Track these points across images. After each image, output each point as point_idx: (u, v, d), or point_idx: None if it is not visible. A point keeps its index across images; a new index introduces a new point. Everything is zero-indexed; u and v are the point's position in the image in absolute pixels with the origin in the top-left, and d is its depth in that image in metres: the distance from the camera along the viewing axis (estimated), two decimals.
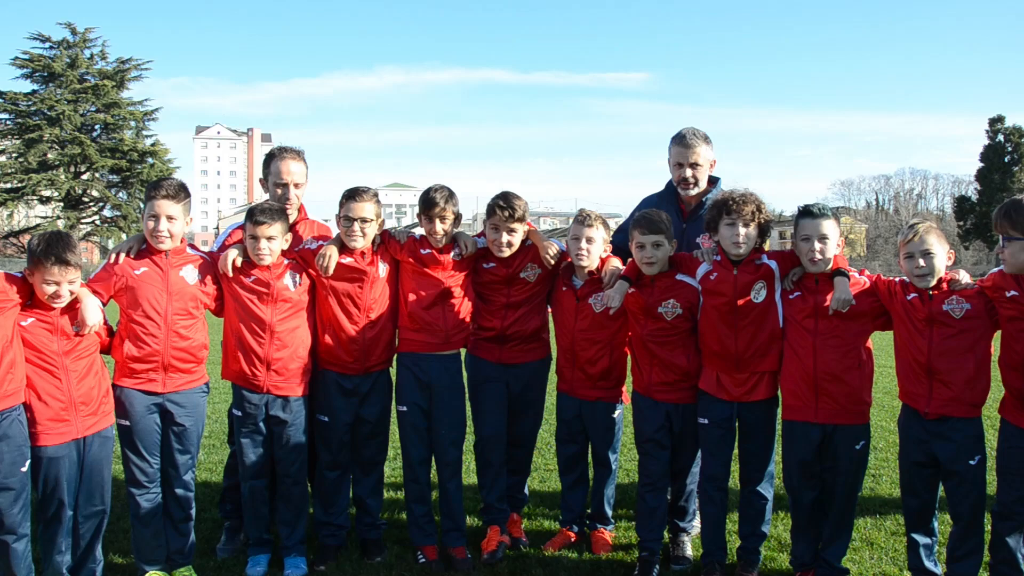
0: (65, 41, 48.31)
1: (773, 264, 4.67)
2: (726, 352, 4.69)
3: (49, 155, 47.30)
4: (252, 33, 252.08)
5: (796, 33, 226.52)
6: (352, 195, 4.93)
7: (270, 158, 5.29)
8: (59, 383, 4.28)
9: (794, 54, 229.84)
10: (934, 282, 4.33)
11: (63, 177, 47.46)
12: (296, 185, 5.18)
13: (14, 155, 47.50)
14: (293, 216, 5.14)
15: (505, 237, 5.00)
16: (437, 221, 4.96)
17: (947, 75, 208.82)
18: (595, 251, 4.99)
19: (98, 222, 49.29)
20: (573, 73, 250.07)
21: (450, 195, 5.01)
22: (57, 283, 4.19)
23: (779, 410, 4.80)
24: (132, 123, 49.71)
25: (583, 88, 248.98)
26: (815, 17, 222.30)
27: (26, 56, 47.56)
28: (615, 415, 5.23)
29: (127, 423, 4.60)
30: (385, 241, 5.08)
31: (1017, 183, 68.29)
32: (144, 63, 50.67)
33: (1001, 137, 70.06)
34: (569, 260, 5.12)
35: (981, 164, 71.10)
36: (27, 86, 48.12)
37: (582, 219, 5.01)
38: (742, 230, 4.56)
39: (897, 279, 4.55)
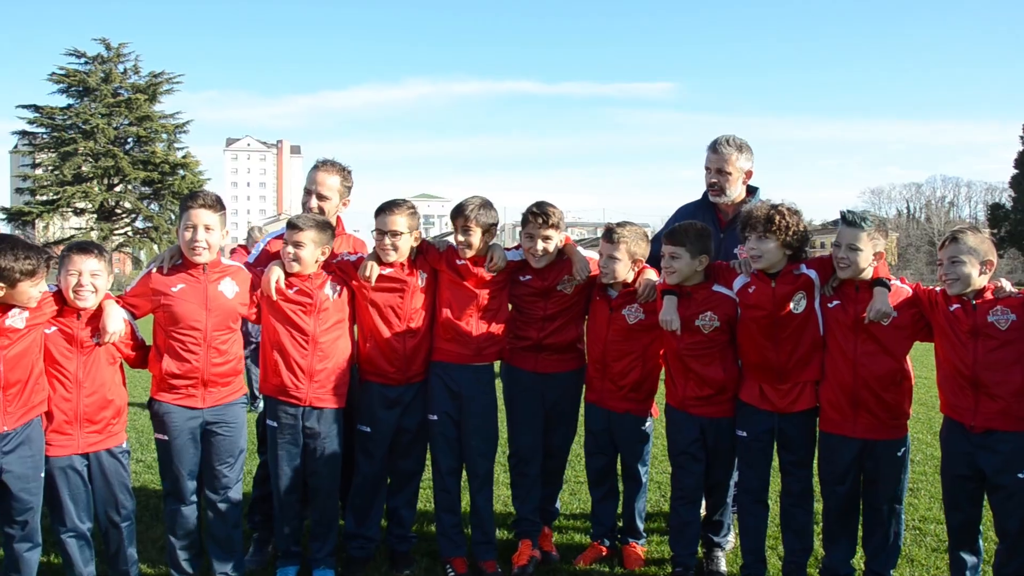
0: (99, 56, 48.98)
1: (812, 273, 4.57)
2: (768, 364, 4.61)
3: (83, 168, 47.92)
4: (281, 47, 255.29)
5: (821, 41, 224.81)
6: (384, 209, 4.89)
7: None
8: (68, 396, 4.30)
9: (820, 62, 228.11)
10: (963, 290, 4.21)
11: (97, 189, 48.11)
12: (320, 196, 5.13)
13: (50, 168, 48.35)
14: None
15: (540, 245, 4.93)
16: (461, 232, 4.92)
17: (977, 81, 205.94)
18: (621, 268, 4.90)
19: (130, 233, 49.82)
20: (598, 83, 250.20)
21: (480, 205, 4.93)
22: (79, 272, 4.24)
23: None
24: (164, 136, 50.20)
25: (609, 98, 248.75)
26: (840, 24, 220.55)
27: (62, 72, 48.27)
28: (645, 427, 5.13)
29: (165, 438, 4.58)
30: (424, 250, 5.04)
31: None
32: (175, 77, 51.17)
33: None
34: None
35: (1015, 170, 69.99)
36: (63, 101, 48.94)
37: (606, 235, 4.96)
38: (757, 244, 4.50)
39: (938, 288, 4.42)
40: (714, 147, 5.32)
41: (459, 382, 5.00)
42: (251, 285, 4.80)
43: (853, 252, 4.38)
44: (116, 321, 4.38)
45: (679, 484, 4.94)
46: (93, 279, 4.29)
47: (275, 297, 4.73)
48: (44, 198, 47.68)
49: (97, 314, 4.37)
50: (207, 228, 4.57)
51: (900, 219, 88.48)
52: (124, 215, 50.13)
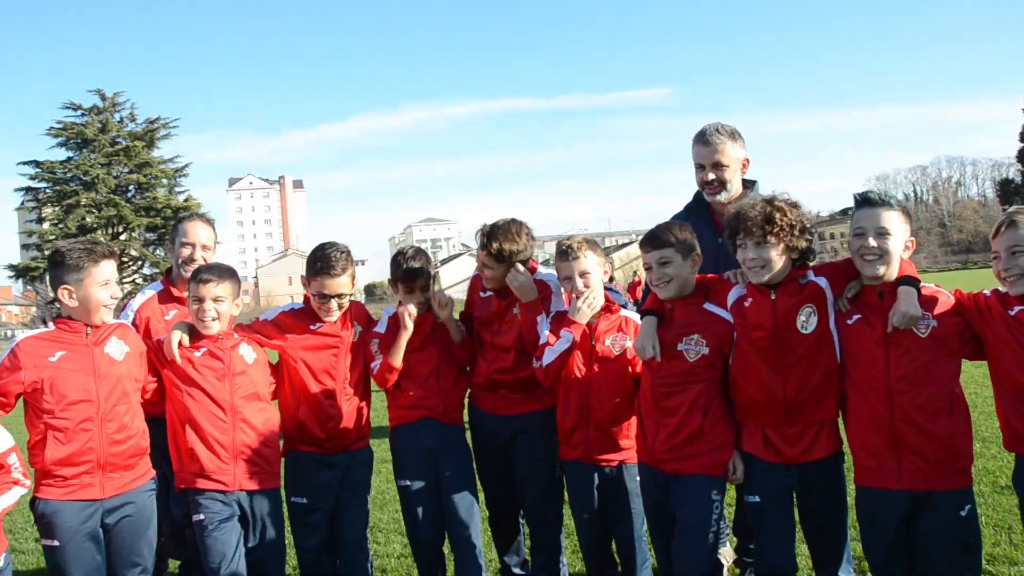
0: (95, 107, 49.22)
1: (822, 281, 3.65)
2: (772, 400, 3.66)
3: (87, 219, 48.13)
4: (276, 83, 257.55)
5: (814, 31, 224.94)
6: (325, 270, 4.27)
7: (176, 223, 5.08)
8: None
9: (815, 53, 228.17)
10: None
11: (102, 239, 48.21)
12: (204, 247, 4.87)
13: (54, 222, 48.52)
14: None
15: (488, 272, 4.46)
16: (420, 292, 4.47)
17: (974, 59, 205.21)
18: (596, 283, 4.19)
19: (139, 280, 49.96)
20: (594, 94, 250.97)
21: (425, 263, 4.51)
22: None
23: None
24: (164, 181, 50.37)
25: (606, 108, 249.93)
26: (831, 13, 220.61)
27: (60, 125, 48.55)
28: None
29: (55, 543, 3.71)
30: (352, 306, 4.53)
31: None
32: (172, 121, 51.38)
33: None
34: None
35: (1021, 144, 69.52)
36: (62, 154, 49.20)
37: (564, 251, 4.17)
38: (757, 252, 3.57)
39: (987, 291, 3.54)
40: (703, 139, 4.56)
41: (433, 440, 4.50)
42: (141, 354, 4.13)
43: (882, 238, 3.49)
44: None
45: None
46: None
47: (179, 361, 4.07)
48: (50, 252, 47.77)
49: None
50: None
51: (908, 203, 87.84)
52: (131, 263, 50.22)
